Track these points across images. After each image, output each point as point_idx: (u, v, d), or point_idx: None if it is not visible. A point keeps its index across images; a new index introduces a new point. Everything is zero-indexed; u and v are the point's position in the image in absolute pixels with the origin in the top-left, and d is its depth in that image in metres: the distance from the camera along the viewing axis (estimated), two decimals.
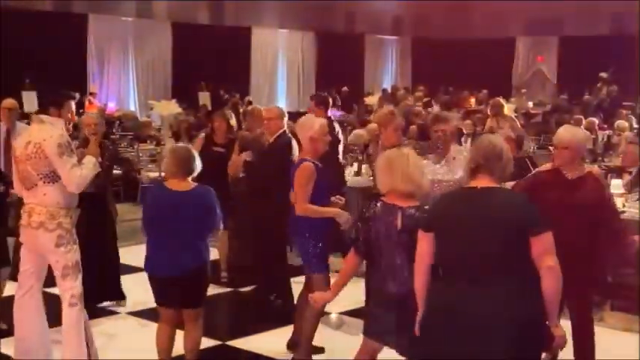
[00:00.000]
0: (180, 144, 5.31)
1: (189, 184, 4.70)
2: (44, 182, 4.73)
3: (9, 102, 7.35)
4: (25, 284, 4.98)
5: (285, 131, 6.41)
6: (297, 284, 5.87)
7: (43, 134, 4.74)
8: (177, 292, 4.67)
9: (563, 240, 3.57)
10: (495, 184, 3.60)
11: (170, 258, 4.61)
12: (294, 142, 6.26)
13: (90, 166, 4.84)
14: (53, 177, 4.72)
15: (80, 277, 4.86)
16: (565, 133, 4.79)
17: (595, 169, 4.64)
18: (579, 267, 4.37)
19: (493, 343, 3.32)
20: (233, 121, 7.29)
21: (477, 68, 23.10)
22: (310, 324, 5.16)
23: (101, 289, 6.37)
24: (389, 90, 21.20)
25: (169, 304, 4.77)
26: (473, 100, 17.95)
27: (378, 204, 4.06)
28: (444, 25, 25.34)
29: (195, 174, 4.73)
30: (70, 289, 4.81)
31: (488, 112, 11.28)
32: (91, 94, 18.04)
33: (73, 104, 5.07)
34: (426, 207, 3.89)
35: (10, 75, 16.64)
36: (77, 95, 5.15)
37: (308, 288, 5.28)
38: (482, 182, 3.58)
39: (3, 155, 7.06)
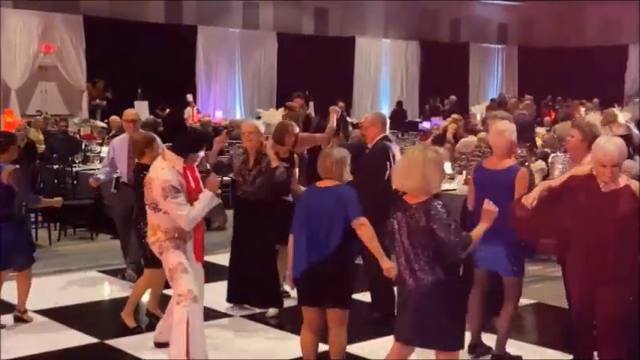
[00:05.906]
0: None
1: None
2: (149, 208, 5.17)
3: (130, 113, 7.49)
4: None
5: (384, 136, 6.33)
6: None
7: (156, 173, 5.07)
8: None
9: None
10: None
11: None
12: (393, 148, 6.23)
13: (202, 203, 5.03)
14: (156, 207, 5.11)
15: (185, 277, 5.04)
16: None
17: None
18: None
19: None
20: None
21: (586, 77, 22.39)
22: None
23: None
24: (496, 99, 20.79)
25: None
26: (583, 110, 17.38)
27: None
28: (552, 32, 24.75)
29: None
30: (175, 289, 5.12)
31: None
32: (188, 103, 18.39)
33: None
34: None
35: (123, 83, 17.37)
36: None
37: None
38: None
39: (127, 165, 7.27)
